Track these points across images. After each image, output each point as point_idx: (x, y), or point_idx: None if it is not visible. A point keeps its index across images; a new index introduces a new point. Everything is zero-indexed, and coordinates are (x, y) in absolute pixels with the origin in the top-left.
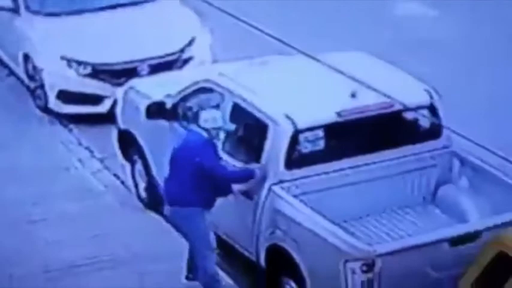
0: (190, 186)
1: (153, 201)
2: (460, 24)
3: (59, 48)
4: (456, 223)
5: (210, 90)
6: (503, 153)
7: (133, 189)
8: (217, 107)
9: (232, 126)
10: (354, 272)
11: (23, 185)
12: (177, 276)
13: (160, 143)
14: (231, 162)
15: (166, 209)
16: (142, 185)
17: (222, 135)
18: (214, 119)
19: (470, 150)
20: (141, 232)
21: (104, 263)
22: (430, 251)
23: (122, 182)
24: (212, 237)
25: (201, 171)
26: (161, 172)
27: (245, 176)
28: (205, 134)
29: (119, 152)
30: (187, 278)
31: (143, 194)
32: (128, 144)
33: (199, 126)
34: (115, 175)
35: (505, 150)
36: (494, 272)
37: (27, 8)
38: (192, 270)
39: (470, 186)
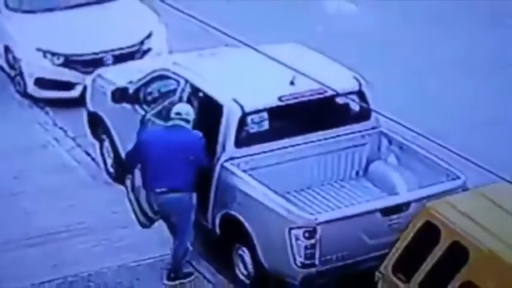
0: (185, 175)
1: (119, 174)
2: (380, 19)
3: (35, 41)
4: (387, 195)
5: (166, 77)
6: (424, 131)
7: (102, 165)
8: (173, 91)
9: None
10: (297, 238)
11: (4, 160)
12: (142, 240)
13: (125, 124)
14: None
15: (157, 197)
16: (109, 161)
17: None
18: (193, 113)
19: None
20: (110, 202)
21: (78, 230)
22: (364, 220)
23: (93, 159)
24: (193, 215)
25: (196, 164)
26: (126, 148)
27: None
28: (185, 124)
29: (88, 132)
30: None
31: (111, 169)
32: (97, 124)
33: (181, 118)
34: (86, 152)
35: (426, 129)
36: (422, 239)
37: (7, 5)
38: None
39: (398, 163)
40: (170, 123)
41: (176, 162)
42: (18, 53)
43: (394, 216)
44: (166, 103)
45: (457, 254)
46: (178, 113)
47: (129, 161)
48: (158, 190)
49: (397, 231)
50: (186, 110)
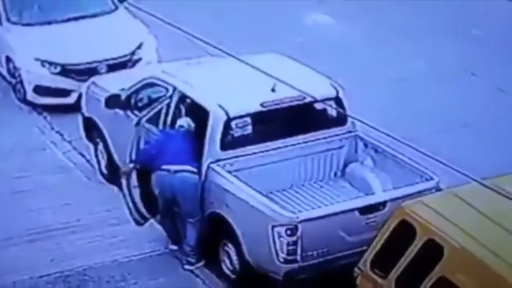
0: (193, 158)
1: (112, 175)
2: (356, 31)
3: (34, 52)
4: (364, 195)
5: (156, 85)
6: (397, 135)
7: (96, 166)
8: (163, 97)
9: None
10: (280, 236)
11: (6, 161)
12: (133, 236)
13: (117, 128)
14: None
15: (174, 176)
16: (103, 162)
17: None
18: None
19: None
20: (103, 201)
21: (74, 228)
22: (343, 218)
23: (87, 160)
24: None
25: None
26: (118, 151)
27: None
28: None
29: (84, 136)
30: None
31: (104, 170)
32: (91, 129)
33: (180, 126)
34: (81, 154)
35: (399, 133)
36: (398, 237)
37: (8, 19)
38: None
39: (374, 164)
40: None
41: (192, 150)
42: (18, 63)
43: (371, 215)
44: (156, 110)
45: (432, 251)
46: (181, 126)
47: (147, 156)
48: (178, 168)
49: (374, 229)
50: (188, 122)
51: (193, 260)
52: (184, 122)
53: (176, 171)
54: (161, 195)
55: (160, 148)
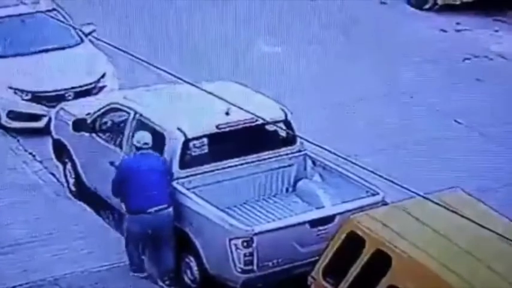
0: (169, 193)
1: (79, 192)
2: (300, 59)
3: (7, 81)
4: (314, 209)
5: (118, 110)
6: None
7: (65, 184)
8: (125, 121)
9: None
10: (237, 248)
11: None
12: (99, 249)
13: (83, 149)
14: None
15: (153, 216)
16: (71, 181)
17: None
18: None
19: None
20: (71, 216)
21: (45, 241)
22: (295, 230)
23: (57, 179)
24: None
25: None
26: (85, 170)
27: None
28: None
29: (53, 156)
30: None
31: (72, 187)
32: (60, 150)
33: (144, 143)
34: (51, 173)
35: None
36: (348, 248)
37: None
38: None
39: (322, 181)
40: (142, 151)
41: (163, 182)
42: None
43: (322, 227)
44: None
45: (381, 260)
46: (146, 143)
47: (117, 188)
48: (156, 209)
49: (325, 240)
50: (150, 138)
51: (167, 282)
52: (147, 138)
53: (155, 211)
54: (138, 233)
55: (133, 179)
